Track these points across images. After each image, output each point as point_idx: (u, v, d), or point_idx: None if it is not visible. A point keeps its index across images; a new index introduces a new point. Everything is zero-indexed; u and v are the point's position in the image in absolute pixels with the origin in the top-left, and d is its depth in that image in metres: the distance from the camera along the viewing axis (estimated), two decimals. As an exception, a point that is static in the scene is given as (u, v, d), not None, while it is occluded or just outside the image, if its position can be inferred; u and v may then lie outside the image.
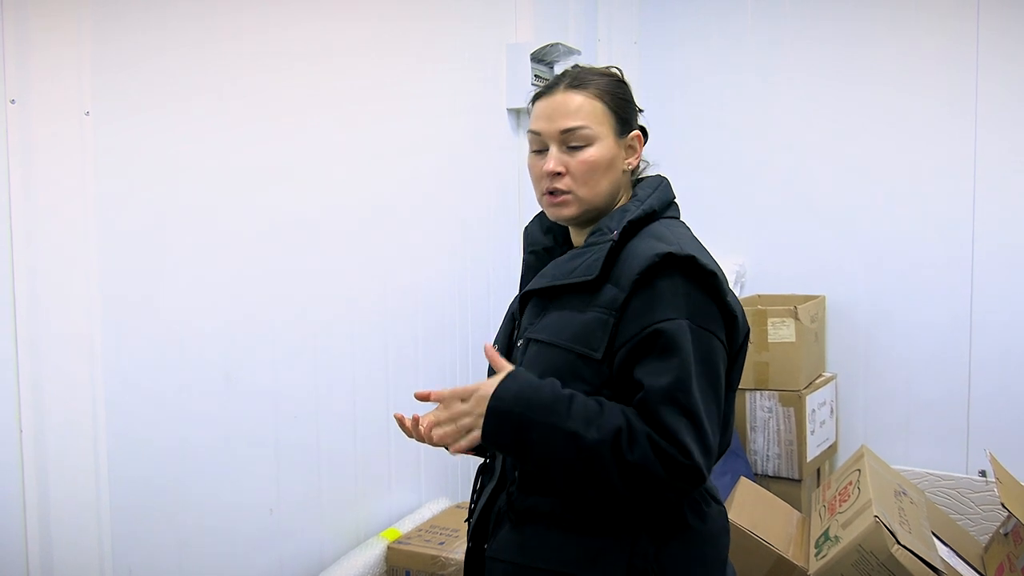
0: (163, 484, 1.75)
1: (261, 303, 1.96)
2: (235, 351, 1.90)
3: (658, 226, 1.29)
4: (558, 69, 3.01)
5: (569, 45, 2.90)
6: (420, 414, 1.31)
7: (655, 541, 1.23)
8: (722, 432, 1.25)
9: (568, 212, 1.32)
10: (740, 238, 3.39)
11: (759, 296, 3.30)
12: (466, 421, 1.21)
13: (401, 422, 1.33)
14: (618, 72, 1.39)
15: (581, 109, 1.30)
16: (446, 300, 2.60)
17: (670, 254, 1.18)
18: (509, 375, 1.20)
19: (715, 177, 3.42)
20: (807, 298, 3.11)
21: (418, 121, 2.45)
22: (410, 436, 1.33)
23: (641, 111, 1.41)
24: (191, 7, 1.77)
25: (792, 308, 2.86)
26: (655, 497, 1.20)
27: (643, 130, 1.40)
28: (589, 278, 1.23)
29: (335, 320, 2.17)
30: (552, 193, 1.32)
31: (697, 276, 1.20)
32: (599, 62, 3.37)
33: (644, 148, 1.40)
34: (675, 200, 1.39)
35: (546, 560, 1.25)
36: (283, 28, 1.99)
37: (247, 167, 1.91)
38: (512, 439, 1.18)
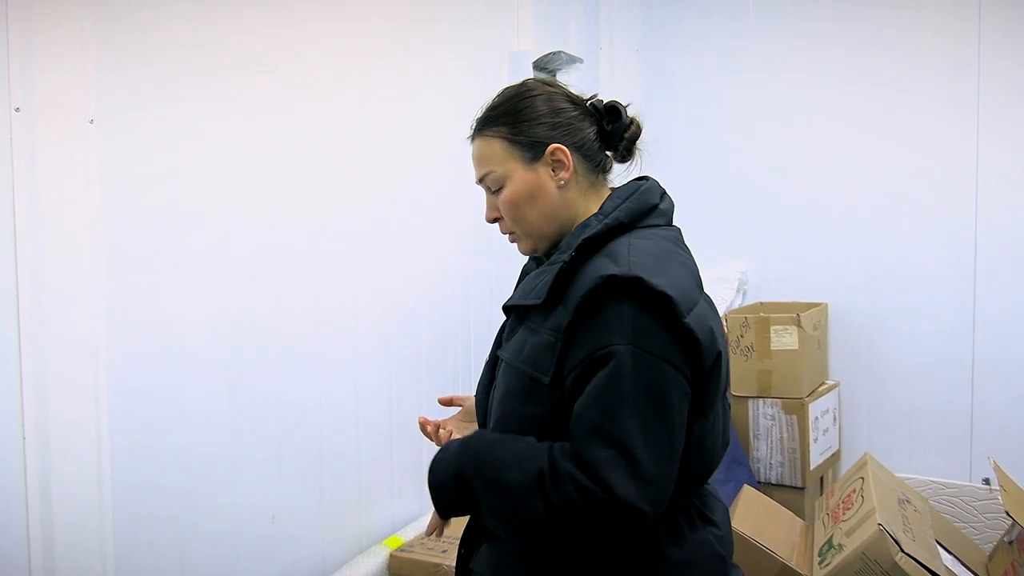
0: (166, 490, 1.75)
1: (264, 309, 1.96)
2: (238, 358, 1.90)
3: (619, 243, 1.21)
4: (560, 77, 3.02)
5: (571, 53, 2.90)
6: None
7: (618, 571, 1.17)
8: (695, 457, 1.18)
9: (524, 247, 1.33)
10: (743, 245, 3.39)
11: (762, 303, 3.30)
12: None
13: (423, 426, 1.37)
14: (534, 84, 1.32)
15: (482, 156, 1.30)
16: (449, 308, 2.60)
17: (614, 276, 1.11)
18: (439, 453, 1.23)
19: (717, 184, 3.42)
20: (810, 305, 3.11)
21: (421, 128, 2.45)
22: (430, 440, 1.37)
23: (593, 98, 1.34)
24: (195, 15, 1.78)
25: (795, 315, 2.86)
26: (607, 538, 1.11)
27: (610, 110, 1.31)
28: (536, 303, 1.20)
29: (338, 327, 2.18)
30: (506, 233, 1.34)
31: (645, 299, 1.11)
32: (601, 69, 3.39)
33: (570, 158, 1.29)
34: (659, 204, 1.30)
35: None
36: (286, 39, 2.00)
37: (250, 175, 1.92)
38: (456, 500, 1.20)
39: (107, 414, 1.61)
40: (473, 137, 1.34)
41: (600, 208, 1.27)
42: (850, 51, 3.14)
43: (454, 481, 1.18)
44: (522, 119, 1.28)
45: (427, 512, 2.47)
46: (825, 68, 3.19)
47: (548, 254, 1.36)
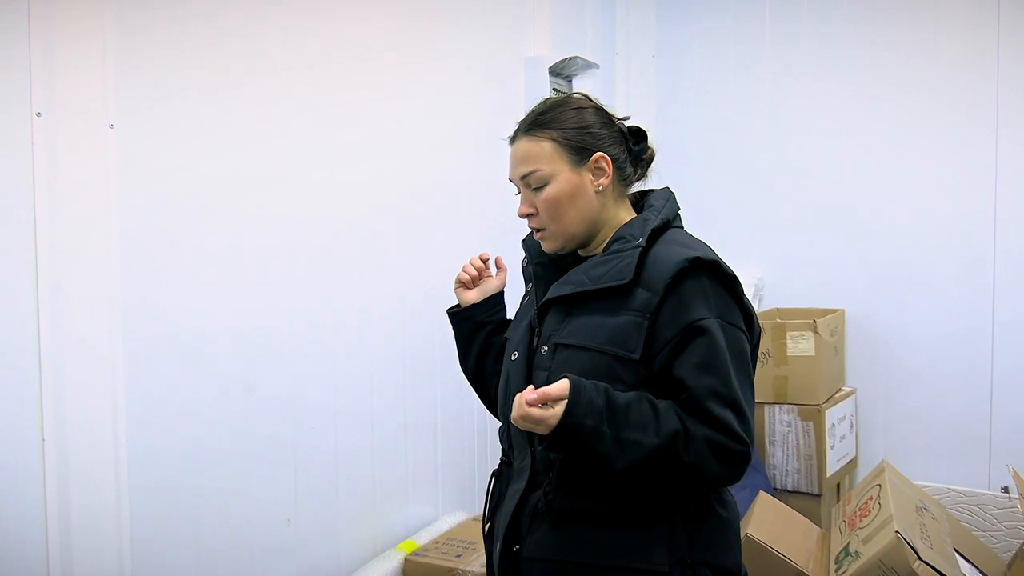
0: (182, 493, 1.76)
1: (280, 313, 1.97)
2: (254, 362, 1.91)
3: (676, 234, 1.39)
4: (576, 83, 3.02)
5: (587, 59, 2.91)
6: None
7: (688, 529, 1.31)
8: None
9: (551, 245, 1.43)
10: (759, 251, 3.38)
11: (778, 310, 3.28)
12: (538, 427, 1.22)
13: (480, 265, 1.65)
14: (580, 98, 1.44)
15: (529, 154, 1.39)
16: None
17: (698, 258, 1.29)
18: (573, 387, 1.21)
19: (733, 188, 3.41)
20: (826, 311, 3.09)
21: (437, 133, 2.46)
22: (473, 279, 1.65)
23: (623, 119, 1.46)
24: (214, 20, 1.79)
25: (811, 322, 2.85)
26: (697, 488, 1.33)
27: (635, 132, 1.45)
28: (623, 282, 1.30)
29: (354, 330, 2.18)
30: (536, 230, 1.44)
31: (721, 278, 1.31)
32: (617, 75, 3.39)
33: (650, 147, 1.47)
34: (679, 211, 1.47)
35: (590, 555, 1.31)
36: (304, 42, 2.01)
37: (268, 180, 1.93)
38: (579, 448, 1.24)
39: (124, 417, 1.62)
40: (518, 137, 1.43)
41: (650, 206, 1.42)
42: (866, 56, 3.13)
43: (586, 432, 1.21)
44: (572, 126, 1.40)
45: (442, 516, 2.48)
46: (841, 73, 3.18)
47: (551, 257, 1.49)
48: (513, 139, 1.45)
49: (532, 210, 1.41)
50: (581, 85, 3.02)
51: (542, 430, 1.22)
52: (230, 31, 1.83)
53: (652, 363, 1.30)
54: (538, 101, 1.45)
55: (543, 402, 1.21)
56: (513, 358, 1.44)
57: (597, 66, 2.97)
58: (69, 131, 1.52)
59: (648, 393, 1.28)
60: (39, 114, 1.47)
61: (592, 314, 1.33)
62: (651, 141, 1.48)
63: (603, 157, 1.39)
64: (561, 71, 2.88)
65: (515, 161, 1.42)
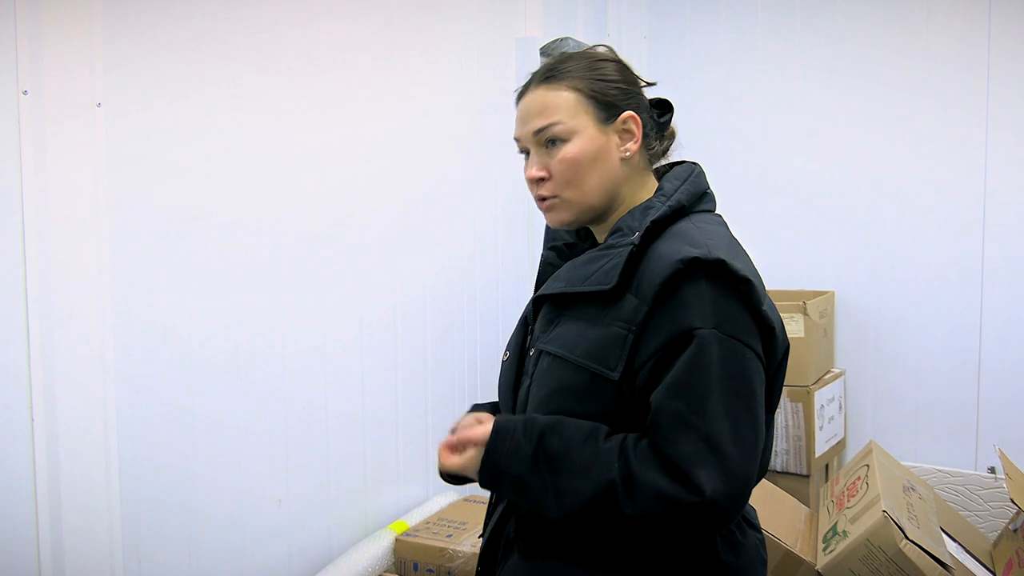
0: (173, 474, 1.75)
1: (271, 297, 1.97)
2: (246, 346, 1.91)
3: (686, 224, 1.15)
4: (567, 63, 3.00)
5: (579, 39, 2.89)
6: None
7: None
8: (763, 452, 1.11)
9: (560, 217, 1.21)
10: (749, 233, 3.35)
11: (768, 291, 3.28)
12: (465, 468, 1.15)
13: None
14: (606, 50, 1.26)
15: (549, 104, 1.18)
16: (454, 297, 2.60)
17: (696, 259, 1.05)
18: (494, 434, 1.11)
19: (723, 171, 3.39)
20: (816, 293, 3.10)
21: (426, 118, 2.45)
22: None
23: (648, 84, 1.28)
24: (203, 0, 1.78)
25: (801, 303, 2.86)
26: (681, 538, 1.09)
27: (659, 103, 1.28)
28: (605, 288, 1.10)
29: (345, 313, 2.18)
30: (542, 199, 1.21)
31: (727, 281, 1.07)
32: (608, 56, 3.37)
33: (671, 124, 1.28)
34: (709, 190, 1.25)
35: None
36: (295, 23, 1.99)
37: (258, 166, 1.92)
38: (509, 493, 1.13)
39: (114, 398, 1.62)
40: (531, 88, 1.22)
41: (659, 190, 1.21)
42: (858, 45, 3.12)
43: (509, 480, 1.10)
44: (598, 77, 1.20)
45: (433, 496, 2.48)
46: (833, 59, 3.17)
47: (567, 243, 1.31)
48: (523, 92, 1.24)
49: (544, 173, 1.19)
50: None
51: (470, 475, 1.14)
52: (222, 10, 1.82)
53: (635, 382, 1.08)
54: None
55: (464, 445, 1.12)
56: (505, 358, 1.30)
57: (588, 47, 2.95)
58: (56, 110, 1.51)
59: (630, 418, 1.09)
60: (25, 92, 1.46)
61: (578, 320, 1.14)
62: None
63: (633, 117, 1.19)
64: (552, 52, 2.86)
65: (528, 114, 1.20)
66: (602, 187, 1.19)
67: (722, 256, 1.06)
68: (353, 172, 2.19)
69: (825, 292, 3.14)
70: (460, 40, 2.59)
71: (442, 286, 2.54)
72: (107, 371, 1.61)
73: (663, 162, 1.31)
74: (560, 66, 1.21)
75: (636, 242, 1.11)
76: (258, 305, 1.94)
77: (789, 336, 2.77)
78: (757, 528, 1.24)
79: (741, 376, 1.04)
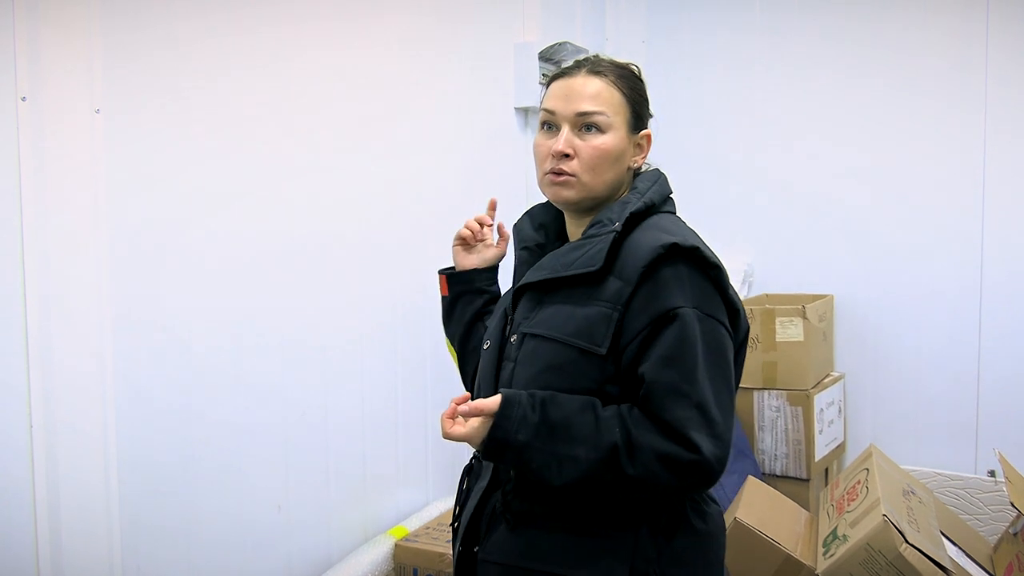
0: (172, 480, 1.75)
1: (271, 304, 1.97)
2: (244, 349, 1.91)
3: (659, 219, 1.28)
4: (566, 68, 3.00)
5: (577, 44, 2.90)
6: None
7: (657, 541, 1.21)
8: None
9: (568, 194, 1.30)
10: (748, 237, 3.38)
11: (767, 295, 3.29)
12: (471, 437, 1.20)
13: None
14: (636, 69, 1.39)
15: (600, 95, 1.30)
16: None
17: (675, 244, 1.18)
18: (503, 402, 1.19)
19: (723, 175, 3.41)
20: (815, 297, 3.10)
21: (424, 121, 2.45)
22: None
23: (651, 116, 1.41)
24: (200, 4, 1.78)
25: (800, 307, 2.86)
26: (660, 497, 1.22)
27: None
28: (592, 269, 1.21)
29: (344, 318, 2.18)
30: (557, 173, 1.30)
31: (701, 266, 1.20)
32: (607, 61, 3.37)
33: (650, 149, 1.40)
34: (671, 195, 1.38)
35: (545, 562, 1.22)
36: (294, 27, 2.00)
37: (256, 169, 1.92)
38: (513, 463, 1.21)
39: (113, 404, 1.62)
40: (579, 72, 1.32)
41: (634, 188, 1.33)
42: (858, 46, 3.12)
43: (516, 447, 1.17)
44: (642, 94, 1.37)
45: (432, 502, 2.48)
46: (832, 62, 3.18)
47: (538, 242, 1.40)
48: (567, 73, 1.34)
49: (571, 151, 1.28)
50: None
51: (475, 444, 1.20)
52: (220, 15, 1.82)
53: (621, 358, 1.19)
54: (540, 79, 1.41)
55: (473, 415, 1.18)
56: (486, 347, 1.38)
57: (587, 51, 2.95)
58: (55, 116, 1.51)
59: (614, 392, 1.20)
60: (24, 98, 1.46)
61: (563, 303, 1.24)
62: None
63: (649, 136, 1.37)
64: (551, 56, 2.86)
65: (577, 95, 1.30)
66: (612, 183, 1.32)
67: (697, 244, 1.21)
68: (353, 174, 2.19)
69: (824, 296, 3.14)
70: (459, 45, 2.60)
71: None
72: (106, 375, 1.60)
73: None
74: (611, 66, 1.34)
75: (619, 229, 1.23)
76: (257, 310, 1.94)
77: (789, 340, 2.81)
78: (717, 502, 1.36)
79: (719, 351, 1.19)
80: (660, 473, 1.13)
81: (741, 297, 3.21)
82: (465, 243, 1.57)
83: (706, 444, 1.12)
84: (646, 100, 1.37)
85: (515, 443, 1.17)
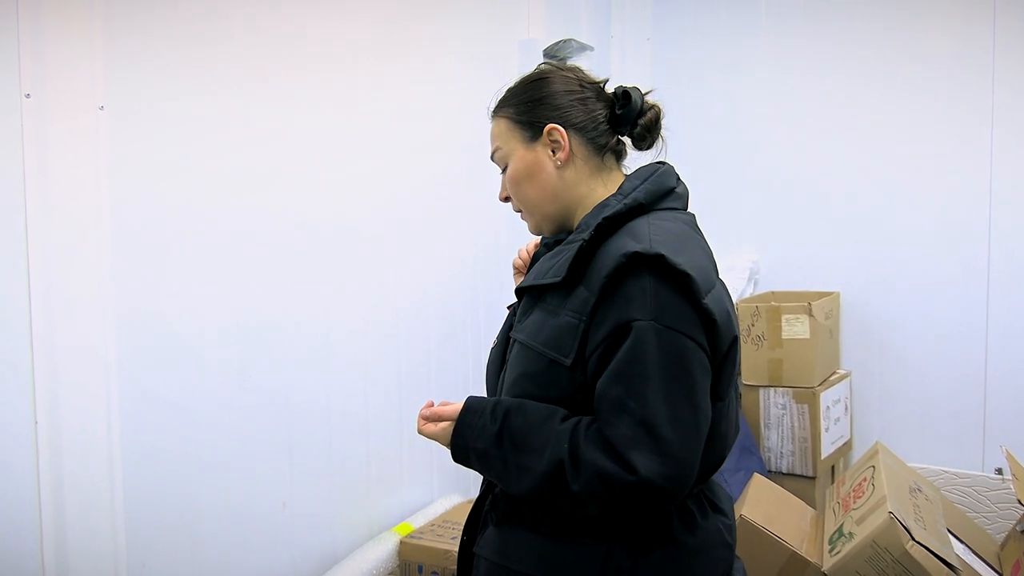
0: (177, 477, 1.76)
1: (275, 301, 1.97)
2: (249, 347, 1.91)
3: (641, 221, 1.21)
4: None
5: (582, 41, 2.89)
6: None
7: (632, 553, 1.17)
8: (709, 441, 1.16)
9: (529, 227, 1.37)
10: (754, 234, 3.37)
11: (773, 292, 3.28)
12: (438, 437, 1.28)
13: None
14: (547, 68, 1.35)
15: (493, 135, 1.35)
16: (457, 297, 2.60)
17: (637, 253, 1.11)
18: (464, 410, 1.24)
19: (727, 172, 3.40)
20: (821, 295, 3.09)
21: (429, 120, 2.45)
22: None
23: (597, 83, 1.32)
24: (204, 2, 1.78)
25: (806, 304, 2.85)
26: (627, 516, 1.16)
27: (620, 95, 1.30)
28: (556, 280, 1.19)
29: (348, 317, 2.18)
30: (518, 211, 1.37)
31: (667, 275, 1.11)
32: (612, 58, 3.37)
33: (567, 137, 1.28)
34: (675, 188, 1.30)
35: (521, 562, 1.23)
36: (298, 25, 2.00)
37: (259, 167, 1.92)
38: (477, 468, 1.24)
39: (117, 403, 1.62)
40: (492, 116, 1.38)
41: (619, 189, 1.27)
42: (862, 45, 3.11)
43: (477, 454, 1.22)
44: (525, 100, 1.31)
45: (437, 499, 2.48)
46: (837, 59, 3.17)
47: (557, 239, 1.36)
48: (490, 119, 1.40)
49: (506, 194, 1.36)
50: (576, 68, 3.00)
51: (444, 445, 1.26)
52: (224, 12, 1.82)
53: (587, 370, 1.16)
54: None
55: (434, 419, 1.26)
56: (493, 345, 1.40)
57: (592, 49, 2.96)
58: (59, 113, 1.51)
59: (586, 402, 1.16)
60: (28, 95, 1.46)
61: (543, 310, 1.23)
62: (649, 99, 1.32)
63: (555, 129, 1.27)
64: (555, 54, 2.86)
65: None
66: (544, 198, 1.30)
67: (662, 251, 1.11)
68: (356, 172, 2.19)
69: (830, 293, 3.13)
70: (463, 42, 2.59)
71: (444, 287, 2.54)
72: (110, 372, 1.61)
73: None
74: (502, 97, 1.35)
75: (586, 238, 1.19)
76: (261, 308, 1.94)
77: (795, 338, 2.81)
78: (725, 513, 1.29)
79: (679, 364, 1.10)
80: (602, 492, 1.08)
81: (747, 294, 3.25)
82: (519, 271, 1.58)
83: (647, 464, 1.05)
84: (541, 99, 1.29)
85: (474, 449, 1.21)
